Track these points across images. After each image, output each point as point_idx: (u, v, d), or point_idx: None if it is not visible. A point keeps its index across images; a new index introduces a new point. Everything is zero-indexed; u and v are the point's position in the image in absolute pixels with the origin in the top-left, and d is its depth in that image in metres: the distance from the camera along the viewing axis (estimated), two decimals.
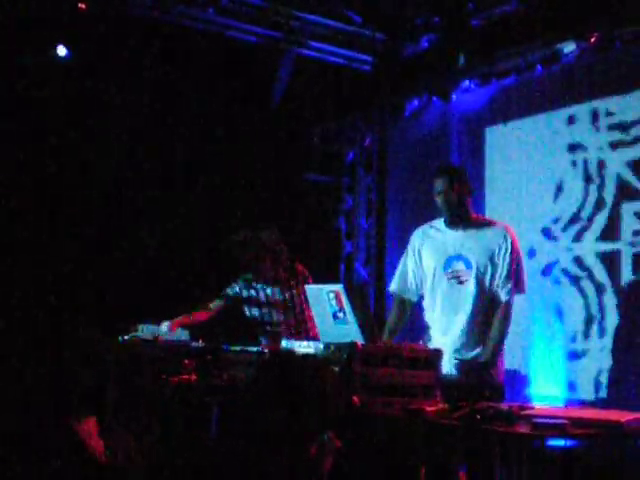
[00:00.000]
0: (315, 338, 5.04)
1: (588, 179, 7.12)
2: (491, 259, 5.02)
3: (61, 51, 7.54)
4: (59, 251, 7.58)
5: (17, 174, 7.43)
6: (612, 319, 6.89)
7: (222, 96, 8.26)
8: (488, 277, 5.01)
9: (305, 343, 4.29)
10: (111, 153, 7.93)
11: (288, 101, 8.44)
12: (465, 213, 5.15)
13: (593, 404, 6.70)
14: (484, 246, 5.06)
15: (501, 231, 5.10)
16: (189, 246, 8.20)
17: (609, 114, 6.97)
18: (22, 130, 7.42)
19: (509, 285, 4.98)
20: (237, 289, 6.24)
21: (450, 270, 5.12)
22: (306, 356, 3.93)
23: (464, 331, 5.00)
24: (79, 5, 7.22)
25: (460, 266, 5.09)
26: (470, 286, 5.03)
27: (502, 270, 4.99)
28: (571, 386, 7.04)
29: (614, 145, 6.94)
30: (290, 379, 3.39)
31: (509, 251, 5.01)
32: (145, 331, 5.55)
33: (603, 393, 6.85)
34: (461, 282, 5.06)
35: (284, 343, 4.44)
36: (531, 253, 7.38)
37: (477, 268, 5.01)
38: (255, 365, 4.36)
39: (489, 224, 5.23)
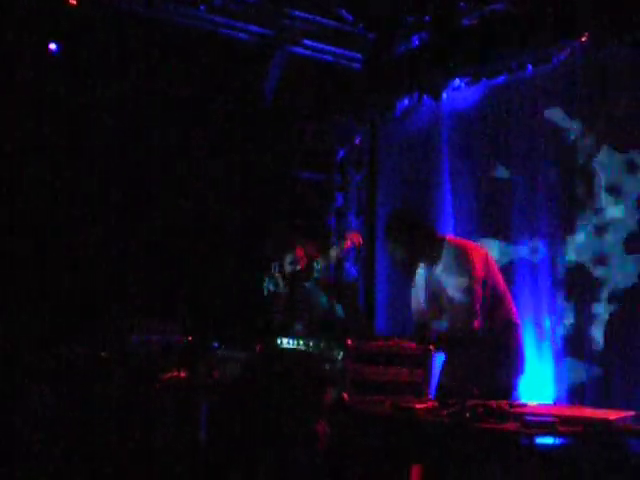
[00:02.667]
0: None
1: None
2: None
3: (51, 46, 7.51)
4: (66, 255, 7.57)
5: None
6: (602, 319, 6.93)
7: (213, 94, 8.25)
8: None
9: (296, 340, 4.29)
10: (99, 151, 7.91)
11: (279, 99, 8.43)
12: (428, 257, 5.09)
13: (582, 402, 6.73)
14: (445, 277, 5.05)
15: (458, 259, 5.02)
16: (179, 241, 8.19)
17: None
18: (11, 125, 7.40)
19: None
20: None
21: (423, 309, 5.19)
22: (293, 350, 3.95)
23: None
24: (69, 0, 7.20)
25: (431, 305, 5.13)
26: None
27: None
28: (560, 385, 7.07)
29: None
30: (277, 368, 3.42)
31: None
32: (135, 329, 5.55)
33: (592, 391, 6.89)
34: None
35: (277, 339, 4.44)
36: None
37: None
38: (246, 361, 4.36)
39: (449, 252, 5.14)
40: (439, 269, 5.00)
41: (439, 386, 5.00)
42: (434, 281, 5.03)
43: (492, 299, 4.94)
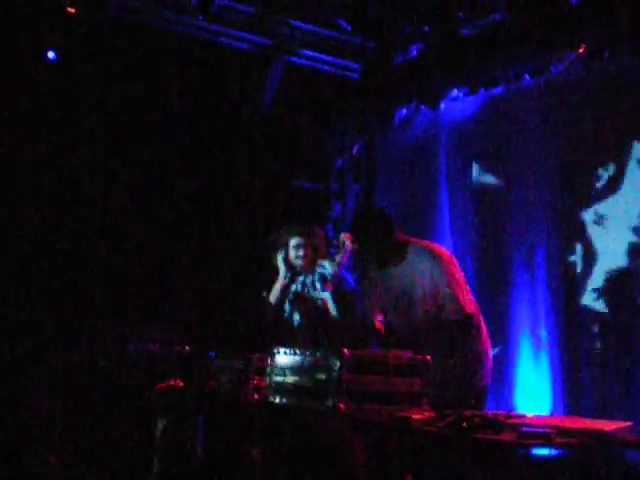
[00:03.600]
0: None
1: None
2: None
3: (50, 55, 7.52)
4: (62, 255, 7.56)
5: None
6: (598, 328, 6.93)
7: (211, 102, 8.25)
8: None
9: (293, 350, 4.28)
10: (98, 158, 7.91)
11: (277, 108, 8.44)
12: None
13: (578, 413, 6.72)
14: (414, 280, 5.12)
15: (429, 262, 5.08)
16: (176, 249, 8.19)
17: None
18: (8, 132, 7.40)
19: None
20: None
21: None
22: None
23: None
24: (68, 9, 7.21)
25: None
26: None
27: None
28: (556, 396, 7.07)
29: None
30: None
31: None
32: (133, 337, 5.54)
33: (588, 402, 6.88)
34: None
35: (275, 350, 4.42)
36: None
37: None
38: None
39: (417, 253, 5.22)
40: (409, 273, 5.01)
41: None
42: (403, 286, 5.04)
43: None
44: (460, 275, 5.06)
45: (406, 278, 5.02)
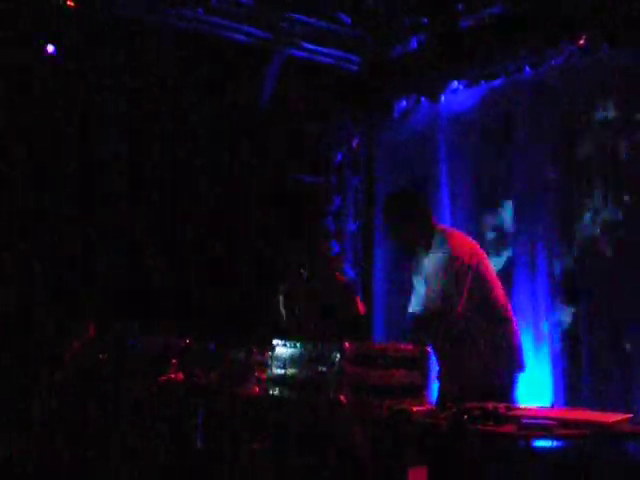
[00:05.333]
0: None
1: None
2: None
3: (49, 49, 7.51)
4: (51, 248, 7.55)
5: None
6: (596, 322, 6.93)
7: (210, 96, 8.24)
8: None
9: (293, 343, 4.28)
10: (97, 153, 7.90)
11: (277, 101, 8.43)
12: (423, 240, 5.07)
13: (580, 405, 6.72)
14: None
15: (441, 246, 4.98)
16: (177, 243, 8.19)
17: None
18: (8, 127, 7.39)
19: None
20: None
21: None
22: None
23: None
24: (67, 2, 7.19)
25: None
26: None
27: None
28: (557, 388, 7.07)
29: None
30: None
31: None
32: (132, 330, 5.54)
33: (589, 394, 6.88)
34: None
35: (273, 342, 4.42)
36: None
37: None
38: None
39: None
40: (429, 259, 4.99)
41: (439, 391, 5.00)
42: (425, 269, 5.03)
43: (481, 291, 4.90)
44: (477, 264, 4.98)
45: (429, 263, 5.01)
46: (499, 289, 5.05)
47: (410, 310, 5.07)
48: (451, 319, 4.82)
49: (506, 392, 4.80)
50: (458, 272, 4.82)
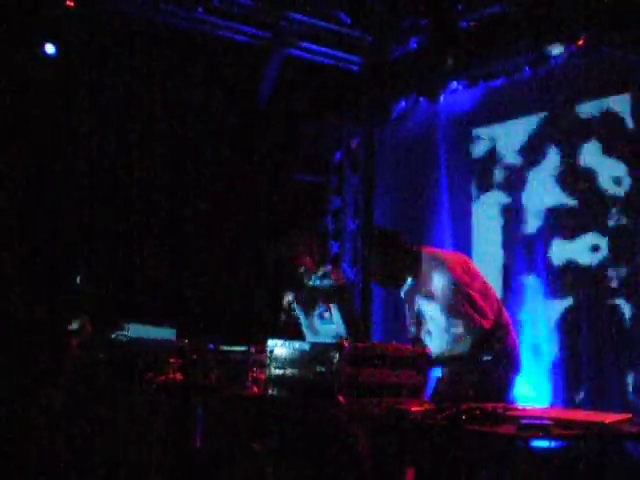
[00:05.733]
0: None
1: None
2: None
3: (49, 49, 7.50)
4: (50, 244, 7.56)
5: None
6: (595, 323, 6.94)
7: (210, 95, 8.25)
8: None
9: (292, 343, 4.28)
10: (97, 153, 7.90)
11: (276, 101, 8.43)
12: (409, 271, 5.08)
13: (577, 405, 6.74)
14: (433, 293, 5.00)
15: (438, 272, 4.97)
16: (175, 244, 8.19)
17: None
18: (7, 128, 7.39)
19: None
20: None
21: (413, 321, 5.16)
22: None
23: None
24: (67, 2, 7.20)
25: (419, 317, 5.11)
26: None
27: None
28: (555, 388, 7.08)
29: None
30: None
31: None
32: (133, 332, 5.54)
33: (587, 394, 6.89)
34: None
35: (270, 342, 4.42)
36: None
37: None
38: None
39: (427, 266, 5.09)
40: (423, 285, 5.00)
41: (435, 391, 5.00)
42: (419, 297, 5.03)
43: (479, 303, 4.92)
44: (471, 280, 4.99)
45: (423, 290, 5.02)
46: (493, 295, 5.08)
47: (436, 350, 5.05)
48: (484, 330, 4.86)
49: (502, 393, 4.83)
50: (465, 294, 4.85)
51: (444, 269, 4.92)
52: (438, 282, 4.91)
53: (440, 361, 4.86)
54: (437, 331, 4.94)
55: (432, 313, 4.97)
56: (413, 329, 5.11)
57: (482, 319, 4.82)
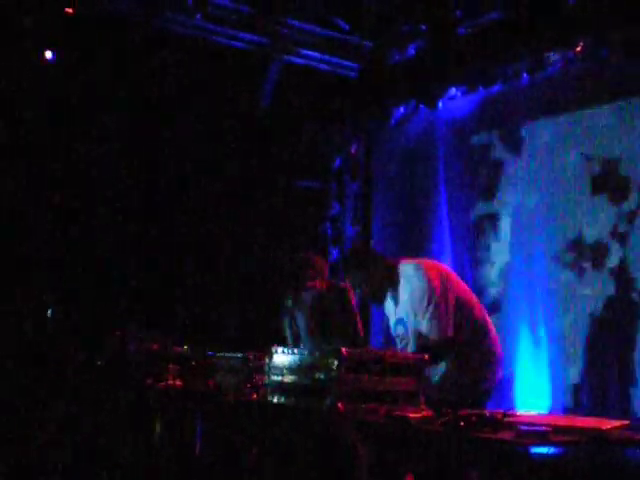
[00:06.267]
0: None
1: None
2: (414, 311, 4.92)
3: (47, 55, 7.52)
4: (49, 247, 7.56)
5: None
6: (595, 328, 6.95)
7: (209, 102, 8.26)
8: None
9: (291, 350, 4.28)
10: (96, 158, 7.91)
11: (275, 107, 8.45)
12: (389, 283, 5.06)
13: (576, 412, 6.74)
14: (406, 301, 4.98)
15: (413, 279, 4.95)
16: (176, 251, 8.20)
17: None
18: (6, 134, 7.40)
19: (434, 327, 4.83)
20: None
21: (396, 334, 5.13)
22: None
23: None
24: (66, 9, 7.21)
25: (401, 330, 5.07)
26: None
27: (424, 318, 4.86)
28: (554, 394, 7.09)
29: None
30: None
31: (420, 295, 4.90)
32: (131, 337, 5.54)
33: (586, 401, 6.90)
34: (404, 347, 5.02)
35: (271, 349, 4.43)
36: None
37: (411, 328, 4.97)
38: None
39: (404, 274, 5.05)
40: (401, 294, 5.01)
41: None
42: (399, 308, 5.05)
43: (458, 312, 4.93)
44: (445, 290, 4.99)
45: (404, 299, 5.03)
46: (476, 303, 5.09)
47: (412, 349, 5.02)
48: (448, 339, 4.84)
49: (485, 398, 4.87)
50: (439, 300, 4.85)
51: (420, 274, 4.94)
52: (412, 285, 4.92)
53: None
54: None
55: (407, 320, 4.99)
56: (398, 340, 5.12)
57: (447, 327, 4.80)
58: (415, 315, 4.88)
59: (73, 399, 5.67)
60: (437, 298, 4.84)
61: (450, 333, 4.81)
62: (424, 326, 4.82)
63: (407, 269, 5.02)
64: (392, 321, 5.14)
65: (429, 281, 4.90)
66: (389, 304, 5.16)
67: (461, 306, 4.95)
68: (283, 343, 5.77)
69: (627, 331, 6.71)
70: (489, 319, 5.11)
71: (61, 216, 7.62)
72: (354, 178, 9.35)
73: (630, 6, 6.41)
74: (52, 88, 7.51)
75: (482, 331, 5.01)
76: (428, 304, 4.83)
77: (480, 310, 5.09)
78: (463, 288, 5.11)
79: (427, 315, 4.81)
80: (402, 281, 5.00)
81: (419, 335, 4.86)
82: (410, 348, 4.91)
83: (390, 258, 5.16)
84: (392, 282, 5.06)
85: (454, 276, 5.13)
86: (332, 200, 9.38)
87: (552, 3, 6.84)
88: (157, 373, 5.14)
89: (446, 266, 5.36)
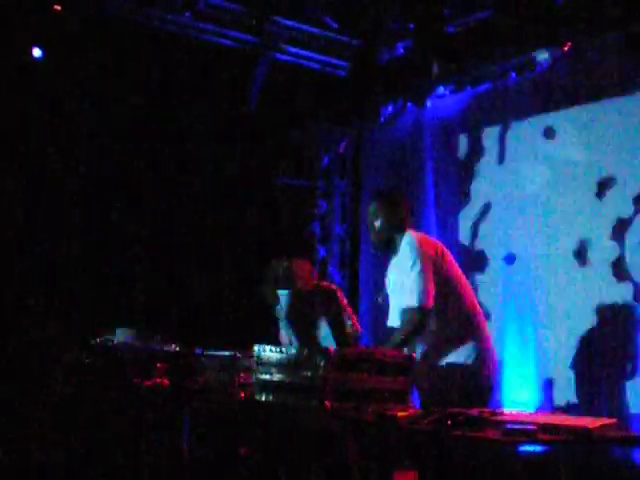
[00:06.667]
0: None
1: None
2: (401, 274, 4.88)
3: (36, 52, 7.50)
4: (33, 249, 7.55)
5: None
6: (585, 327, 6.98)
7: (198, 100, 8.25)
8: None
9: (279, 348, 4.28)
10: (83, 156, 7.90)
11: (264, 105, 8.44)
12: (392, 241, 5.04)
13: (564, 410, 6.76)
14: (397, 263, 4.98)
15: (406, 247, 4.92)
16: (164, 248, 8.19)
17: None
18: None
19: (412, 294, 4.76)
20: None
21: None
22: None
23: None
24: (54, 6, 7.19)
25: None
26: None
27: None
28: (543, 392, 7.11)
29: None
30: None
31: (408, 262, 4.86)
32: (119, 335, 5.53)
33: (573, 399, 6.92)
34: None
35: (257, 347, 4.43)
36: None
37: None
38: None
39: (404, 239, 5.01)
40: (394, 261, 5.02)
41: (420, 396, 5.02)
42: (390, 273, 5.04)
43: (446, 289, 4.90)
44: (440, 263, 4.97)
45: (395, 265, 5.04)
46: (471, 295, 5.07)
47: (390, 324, 5.02)
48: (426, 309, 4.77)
49: (485, 394, 4.83)
50: (426, 268, 4.80)
51: (415, 240, 4.91)
52: (405, 248, 4.92)
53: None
54: (395, 302, 4.94)
55: (393, 286, 4.98)
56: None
57: (428, 297, 4.73)
58: (402, 283, 4.84)
59: (60, 398, 5.66)
60: (424, 265, 4.79)
61: (430, 304, 4.73)
62: (407, 289, 4.76)
63: (408, 235, 5.01)
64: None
65: (420, 247, 4.85)
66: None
67: (449, 287, 4.89)
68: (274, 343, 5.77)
69: (619, 330, 6.73)
70: (479, 309, 5.08)
71: (42, 215, 7.61)
72: (342, 176, 9.36)
73: (617, 6, 6.43)
74: (40, 86, 7.50)
75: (475, 325, 4.96)
76: (413, 266, 4.78)
77: (474, 303, 5.05)
78: (457, 272, 5.07)
79: (411, 276, 4.76)
80: (400, 246, 5.01)
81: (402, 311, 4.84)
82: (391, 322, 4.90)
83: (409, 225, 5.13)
84: (398, 241, 5.05)
85: (451, 257, 5.10)
86: (320, 198, 9.38)
87: (540, 3, 6.87)
88: (145, 371, 5.13)
89: (444, 247, 5.30)
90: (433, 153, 8.27)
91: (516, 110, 7.60)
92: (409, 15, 7.80)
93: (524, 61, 7.38)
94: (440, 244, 5.15)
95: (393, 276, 5.00)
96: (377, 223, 5.08)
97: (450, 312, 4.85)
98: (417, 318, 4.72)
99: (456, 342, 4.86)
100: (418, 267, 4.77)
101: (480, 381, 4.89)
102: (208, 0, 7.62)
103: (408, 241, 4.94)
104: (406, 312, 4.76)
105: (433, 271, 4.82)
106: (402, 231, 5.02)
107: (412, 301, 4.72)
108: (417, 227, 8.00)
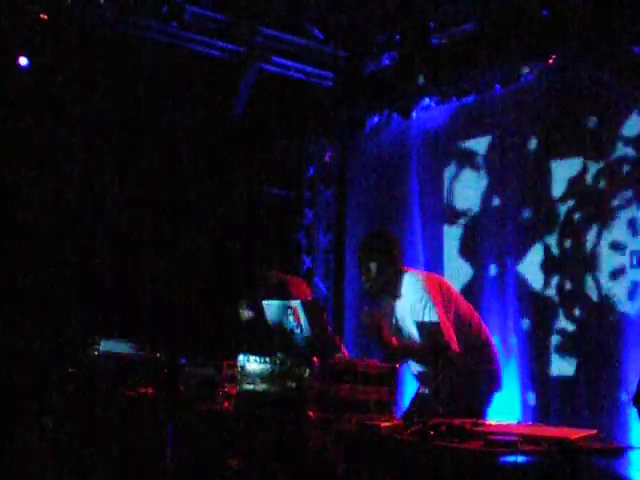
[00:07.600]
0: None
1: None
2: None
3: (22, 61, 7.48)
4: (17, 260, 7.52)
5: None
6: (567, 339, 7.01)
7: (183, 110, 8.25)
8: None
9: (263, 358, 4.30)
10: (71, 165, 7.89)
11: (249, 116, 8.45)
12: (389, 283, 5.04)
13: (545, 421, 6.78)
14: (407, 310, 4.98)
15: (414, 289, 4.93)
16: (145, 258, 8.18)
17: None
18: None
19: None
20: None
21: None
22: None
23: None
24: (40, 15, 7.19)
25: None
26: None
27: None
28: (525, 404, 7.14)
29: None
30: None
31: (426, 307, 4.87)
32: (104, 346, 5.53)
33: (558, 410, 6.94)
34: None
35: (241, 357, 4.44)
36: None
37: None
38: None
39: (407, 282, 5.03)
40: (401, 304, 5.01)
41: (411, 406, 5.04)
42: (398, 316, 5.04)
43: (457, 323, 4.92)
44: (446, 302, 4.99)
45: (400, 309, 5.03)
46: (474, 316, 5.09)
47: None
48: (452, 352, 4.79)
49: (481, 410, 4.87)
50: (440, 314, 4.82)
51: (420, 287, 4.93)
52: (412, 298, 4.91)
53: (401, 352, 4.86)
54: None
55: (409, 330, 4.98)
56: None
57: (449, 341, 4.77)
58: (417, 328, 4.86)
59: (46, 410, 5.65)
60: (438, 310, 4.80)
61: (456, 349, 4.74)
62: (429, 339, 4.77)
63: (411, 276, 5.00)
64: (389, 322, 5.08)
65: (430, 291, 4.87)
66: (387, 302, 5.13)
67: (459, 320, 4.94)
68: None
69: (604, 339, 6.76)
70: (488, 333, 5.11)
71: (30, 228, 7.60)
72: (328, 186, 9.37)
73: (602, 20, 6.48)
74: (27, 93, 7.49)
75: (479, 345, 5.01)
76: (429, 313, 4.79)
77: (478, 323, 5.08)
78: (461, 301, 5.09)
79: (428, 326, 4.77)
80: (404, 289, 4.99)
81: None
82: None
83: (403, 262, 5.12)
84: (393, 285, 5.02)
85: (451, 289, 5.12)
86: (305, 208, 9.39)
87: (525, 15, 6.90)
88: (128, 381, 5.13)
89: (445, 280, 5.33)
90: (418, 163, 8.30)
91: (501, 122, 7.63)
92: (395, 27, 7.83)
93: (509, 73, 7.42)
94: (442, 279, 5.18)
95: (406, 321, 4.99)
96: (372, 266, 5.04)
97: (466, 343, 4.88)
98: (446, 359, 4.70)
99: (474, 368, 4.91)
100: (435, 316, 4.78)
101: (480, 398, 4.95)
102: (195, 10, 7.63)
103: (413, 283, 4.94)
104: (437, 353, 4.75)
105: (445, 312, 4.85)
106: (399, 271, 5.01)
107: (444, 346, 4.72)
108: (403, 238, 8.12)
